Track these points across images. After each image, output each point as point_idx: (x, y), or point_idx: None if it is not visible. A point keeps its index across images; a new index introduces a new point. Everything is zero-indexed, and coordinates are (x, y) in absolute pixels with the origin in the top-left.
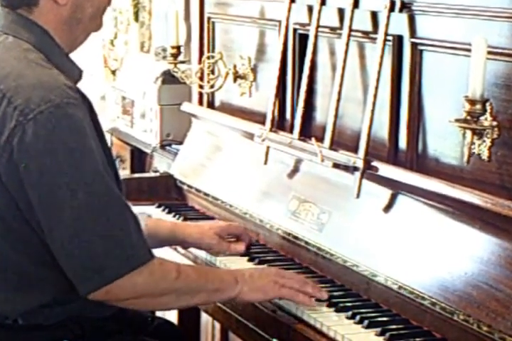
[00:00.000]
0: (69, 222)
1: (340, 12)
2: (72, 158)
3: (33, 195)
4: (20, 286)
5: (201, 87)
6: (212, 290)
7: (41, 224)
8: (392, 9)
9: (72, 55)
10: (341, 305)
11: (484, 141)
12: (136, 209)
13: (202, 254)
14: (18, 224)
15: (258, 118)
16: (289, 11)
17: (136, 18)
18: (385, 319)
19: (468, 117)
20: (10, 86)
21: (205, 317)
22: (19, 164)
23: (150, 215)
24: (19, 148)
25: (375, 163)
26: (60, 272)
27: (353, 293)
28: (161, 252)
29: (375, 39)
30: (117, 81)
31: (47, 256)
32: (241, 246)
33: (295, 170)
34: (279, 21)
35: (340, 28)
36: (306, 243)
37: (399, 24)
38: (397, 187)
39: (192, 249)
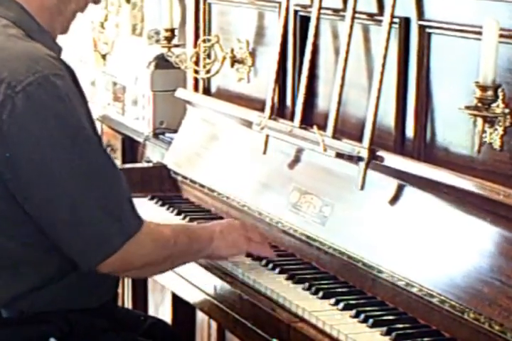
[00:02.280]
0: (68, 192)
1: None
2: (64, 128)
3: (27, 168)
4: (7, 269)
5: (196, 72)
6: (196, 250)
7: (35, 200)
8: None
9: (60, 39)
10: (345, 302)
11: (496, 129)
12: None
13: None
14: (5, 204)
15: (257, 105)
16: None
17: None
18: (391, 317)
19: (479, 104)
20: None
21: (200, 316)
22: (10, 138)
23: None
24: (10, 122)
25: (380, 153)
26: (47, 254)
27: (358, 290)
28: None
29: (380, 21)
30: (108, 66)
31: (34, 237)
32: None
33: (296, 160)
34: (279, 2)
35: (344, 10)
36: (308, 237)
37: (406, 5)
38: (403, 178)
39: None
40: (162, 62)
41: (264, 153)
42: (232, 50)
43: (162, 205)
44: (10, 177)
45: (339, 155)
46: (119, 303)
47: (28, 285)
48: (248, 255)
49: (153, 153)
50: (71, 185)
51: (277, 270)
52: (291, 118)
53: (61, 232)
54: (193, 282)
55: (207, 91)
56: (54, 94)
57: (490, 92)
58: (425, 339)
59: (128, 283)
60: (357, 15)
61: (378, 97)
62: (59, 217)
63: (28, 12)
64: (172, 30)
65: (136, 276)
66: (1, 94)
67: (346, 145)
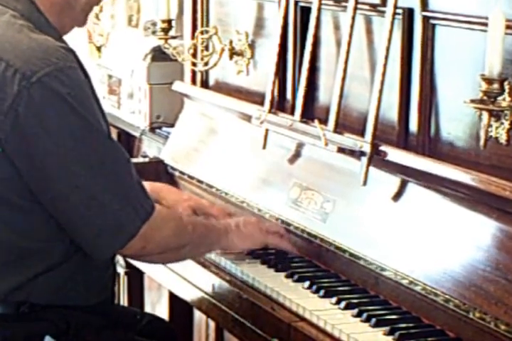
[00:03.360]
0: (84, 182)
1: None
2: (81, 119)
3: (45, 160)
4: (4, 261)
5: (194, 64)
6: (213, 241)
7: (52, 191)
8: None
9: None
10: (347, 301)
11: (502, 123)
12: None
13: None
14: (16, 197)
15: (256, 98)
16: None
17: None
18: (394, 317)
19: (485, 97)
20: (5, 48)
21: (198, 315)
22: (27, 131)
23: None
24: (26, 114)
25: (383, 148)
26: (45, 245)
27: (360, 288)
28: None
29: (383, 12)
30: (103, 58)
31: (32, 228)
32: None
33: (296, 155)
34: None
35: (346, 0)
36: (309, 234)
37: None
38: (407, 174)
39: None
40: (159, 55)
41: (264, 147)
42: (230, 42)
43: None
44: (27, 168)
45: (341, 150)
46: (115, 300)
47: (25, 276)
48: (249, 253)
49: (150, 148)
50: (87, 174)
51: (277, 268)
52: (292, 112)
53: (77, 221)
54: (190, 280)
55: (205, 84)
56: (69, 85)
57: (496, 85)
58: (429, 339)
59: (124, 280)
60: (359, 5)
61: (381, 90)
62: (75, 206)
63: (37, 6)
64: (169, 22)
65: (158, 261)
66: (16, 85)
67: (348, 140)
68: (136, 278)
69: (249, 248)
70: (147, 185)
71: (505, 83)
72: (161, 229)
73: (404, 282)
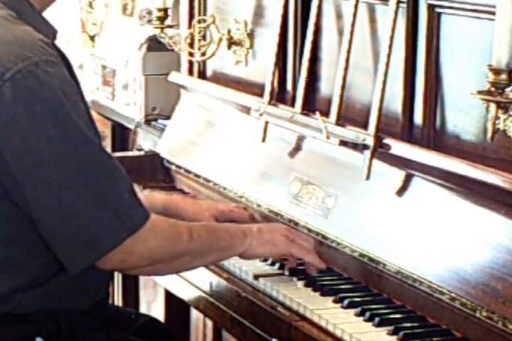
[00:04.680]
0: (58, 189)
1: None
2: (56, 119)
3: (16, 163)
4: None
5: (191, 54)
6: (223, 247)
7: (25, 195)
8: None
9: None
10: (349, 300)
11: (510, 116)
12: None
13: None
14: None
15: (255, 89)
16: None
17: None
18: (398, 316)
19: (493, 89)
20: None
21: (195, 314)
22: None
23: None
24: None
25: (387, 141)
26: (34, 253)
27: (363, 286)
28: None
29: (387, 0)
30: (96, 48)
31: (22, 235)
32: None
33: (297, 148)
34: None
35: None
36: (310, 230)
37: None
38: (411, 168)
39: None
40: (154, 44)
41: (263, 140)
42: (229, 31)
43: None
44: (0, 170)
45: (343, 143)
46: (109, 301)
47: (14, 285)
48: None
49: (145, 141)
50: (62, 178)
51: (277, 265)
52: (292, 104)
53: (50, 229)
54: (187, 278)
55: (202, 75)
56: (45, 82)
57: (504, 76)
58: (435, 338)
59: (118, 279)
60: None
61: (385, 81)
62: (48, 212)
63: None
64: (165, 10)
65: (152, 274)
66: None
67: (351, 133)
68: (131, 276)
69: (270, 255)
70: (160, 197)
71: None
72: (146, 241)
73: (409, 280)
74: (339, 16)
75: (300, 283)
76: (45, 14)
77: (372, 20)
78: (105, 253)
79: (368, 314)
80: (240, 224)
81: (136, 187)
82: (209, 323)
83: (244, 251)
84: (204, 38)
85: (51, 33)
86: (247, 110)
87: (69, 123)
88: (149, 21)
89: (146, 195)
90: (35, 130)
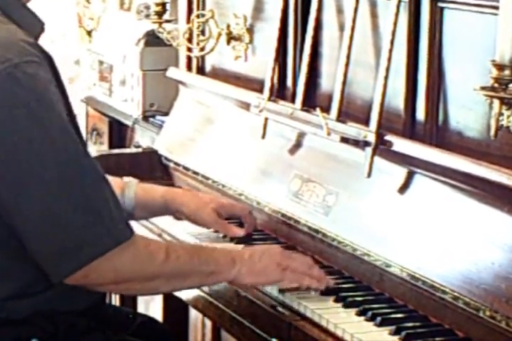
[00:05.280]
0: (38, 196)
1: None
2: (37, 123)
3: None
4: None
5: (190, 49)
6: (206, 272)
7: (6, 204)
8: None
9: (42, 14)
10: (350, 299)
11: None
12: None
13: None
14: None
15: (255, 85)
16: None
17: None
18: (400, 315)
19: (496, 84)
20: None
21: (194, 314)
22: None
23: (138, 181)
24: None
25: (388, 137)
26: (25, 261)
27: (364, 285)
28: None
29: None
30: (94, 43)
31: (10, 243)
32: (240, 231)
33: (297, 145)
34: None
35: None
36: (310, 228)
37: None
38: (414, 165)
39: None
40: (152, 39)
41: (263, 137)
42: (228, 26)
43: None
44: None
45: (344, 140)
46: (106, 300)
47: (4, 295)
48: (238, 242)
49: (143, 138)
50: (44, 185)
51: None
52: (292, 100)
53: (32, 237)
54: None
55: (201, 70)
56: (26, 84)
57: (507, 72)
58: (437, 338)
59: None
60: None
61: (386, 77)
62: (30, 219)
63: None
64: (163, 5)
65: (121, 292)
66: None
67: (352, 129)
68: None
69: (262, 284)
70: (160, 190)
71: None
72: (112, 259)
73: (411, 279)
74: (340, 11)
75: None
76: (39, 8)
77: (374, 14)
78: (88, 262)
79: (369, 313)
80: (232, 249)
81: (129, 183)
82: (208, 323)
83: (233, 279)
84: (203, 32)
85: (38, 26)
86: (246, 106)
87: (52, 127)
88: (147, 16)
89: (145, 188)
90: (16, 135)
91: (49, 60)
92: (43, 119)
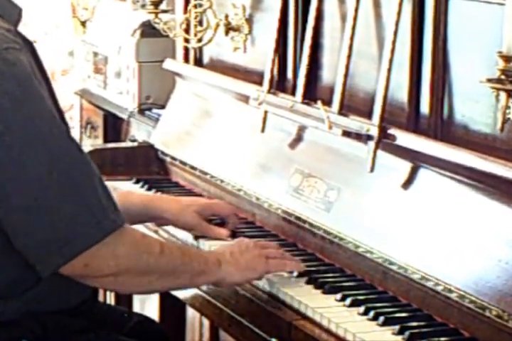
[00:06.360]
0: (26, 187)
1: None
2: (21, 111)
3: None
4: None
5: (187, 40)
6: (196, 271)
7: None
8: None
9: (35, 4)
10: (352, 298)
11: None
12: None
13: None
14: None
15: (254, 77)
16: None
17: None
18: (404, 315)
19: (503, 76)
20: None
21: (191, 313)
22: None
23: (116, 188)
24: None
25: (392, 131)
26: (10, 258)
27: (367, 284)
28: None
29: None
30: (88, 34)
31: None
32: (224, 231)
33: (298, 139)
34: None
35: None
36: (311, 225)
37: None
38: (418, 159)
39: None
40: (148, 30)
41: (263, 131)
42: (226, 16)
43: (148, 189)
44: None
45: (346, 134)
46: (100, 299)
47: None
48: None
49: (139, 131)
50: (31, 174)
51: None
52: (293, 93)
53: (19, 229)
54: None
55: (198, 62)
56: (7, 72)
57: None
58: (442, 338)
59: None
60: None
61: (390, 69)
62: (16, 210)
63: None
64: None
65: (113, 288)
66: None
67: (354, 123)
68: None
69: (252, 279)
70: (139, 196)
71: None
72: (114, 246)
73: (415, 277)
74: (342, 1)
75: (301, 281)
76: None
77: (377, 4)
78: (79, 253)
79: (372, 313)
80: (211, 250)
81: (112, 190)
82: (206, 322)
83: (221, 280)
84: (200, 23)
85: (15, 12)
86: (245, 99)
87: (36, 113)
88: (143, 6)
89: (123, 193)
90: (2, 124)
91: (30, 47)
92: (26, 105)
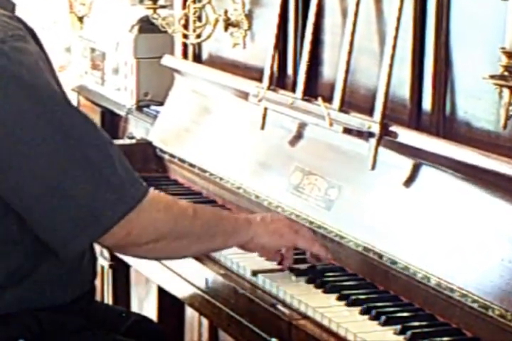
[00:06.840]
0: (43, 170)
1: None
2: (31, 96)
3: None
4: None
5: (186, 36)
6: (229, 231)
7: (8, 178)
8: None
9: (33, 0)
10: (353, 297)
11: None
12: None
13: None
14: None
15: (254, 74)
16: None
17: None
18: (405, 314)
19: (506, 73)
20: None
21: (190, 313)
22: None
23: None
24: None
25: (393, 128)
26: (10, 248)
27: (368, 283)
28: None
29: None
30: (85, 30)
31: None
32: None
33: (298, 136)
34: None
35: None
36: (312, 223)
37: None
38: (420, 157)
39: None
40: (147, 26)
41: (262, 128)
42: (225, 12)
43: None
44: None
45: (347, 131)
46: (98, 298)
47: None
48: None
49: (137, 129)
50: (47, 156)
51: (276, 261)
52: (293, 89)
53: (40, 213)
54: (181, 274)
55: (197, 58)
56: (15, 58)
57: None
58: (444, 338)
59: (108, 274)
60: None
61: (391, 65)
62: (35, 194)
63: None
64: None
65: (152, 255)
66: None
67: (355, 120)
68: (121, 271)
69: (278, 245)
70: None
71: None
72: (150, 213)
73: (417, 276)
74: None
75: (301, 280)
76: None
77: (378, 0)
78: (105, 232)
79: (373, 312)
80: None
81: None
82: (204, 322)
83: (249, 240)
84: (199, 19)
85: (10, 6)
86: (245, 96)
87: (46, 98)
88: (141, 1)
89: None
90: (10, 110)
91: (31, 33)
92: (36, 91)
